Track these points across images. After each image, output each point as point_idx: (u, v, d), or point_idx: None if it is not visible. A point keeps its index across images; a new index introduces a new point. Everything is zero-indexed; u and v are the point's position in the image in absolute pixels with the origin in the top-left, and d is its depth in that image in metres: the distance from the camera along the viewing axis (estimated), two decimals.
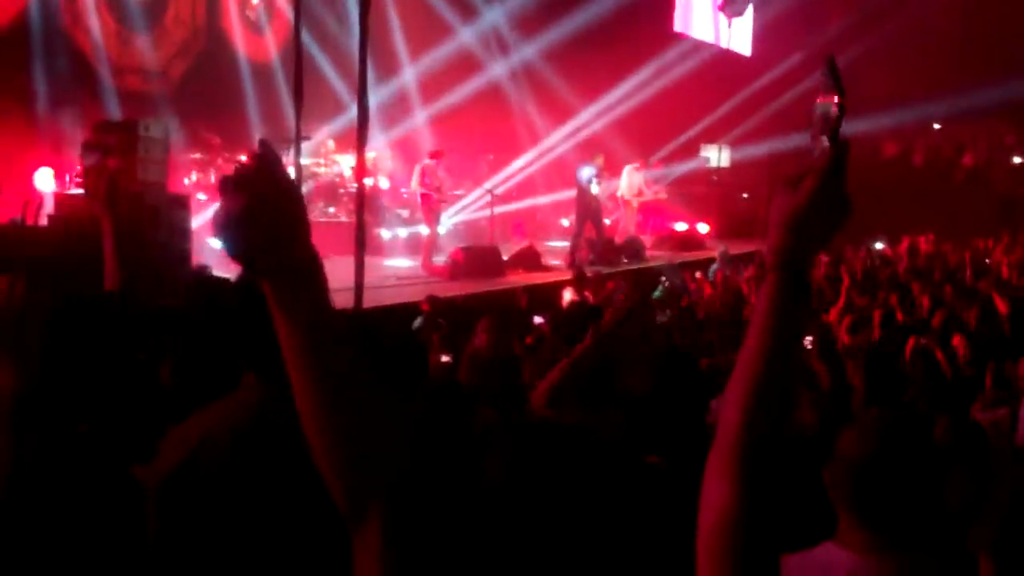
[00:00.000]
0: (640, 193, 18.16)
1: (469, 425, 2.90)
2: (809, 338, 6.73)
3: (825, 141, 1.51)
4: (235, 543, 2.11)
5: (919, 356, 6.47)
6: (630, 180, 17.99)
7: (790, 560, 2.23)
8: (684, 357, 2.78)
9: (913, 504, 2.13)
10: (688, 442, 2.51)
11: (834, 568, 2.09)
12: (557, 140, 19.45)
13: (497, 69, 19.15)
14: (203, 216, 11.38)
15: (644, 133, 20.40)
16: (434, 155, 14.74)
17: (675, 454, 2.54)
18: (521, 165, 18.95)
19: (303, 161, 12.28)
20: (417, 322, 9.30)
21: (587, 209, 15.96)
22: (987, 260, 15.29)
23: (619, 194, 18.18)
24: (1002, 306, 9.04)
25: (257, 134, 15.88)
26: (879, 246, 17.84)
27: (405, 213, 16.41)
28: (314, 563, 2.11)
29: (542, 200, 19.84)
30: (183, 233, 9.33)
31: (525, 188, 19.66)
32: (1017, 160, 24.80)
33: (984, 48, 23.99)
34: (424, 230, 14.67)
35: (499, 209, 16.59)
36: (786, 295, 1.47)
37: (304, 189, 11.73)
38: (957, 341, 6.94)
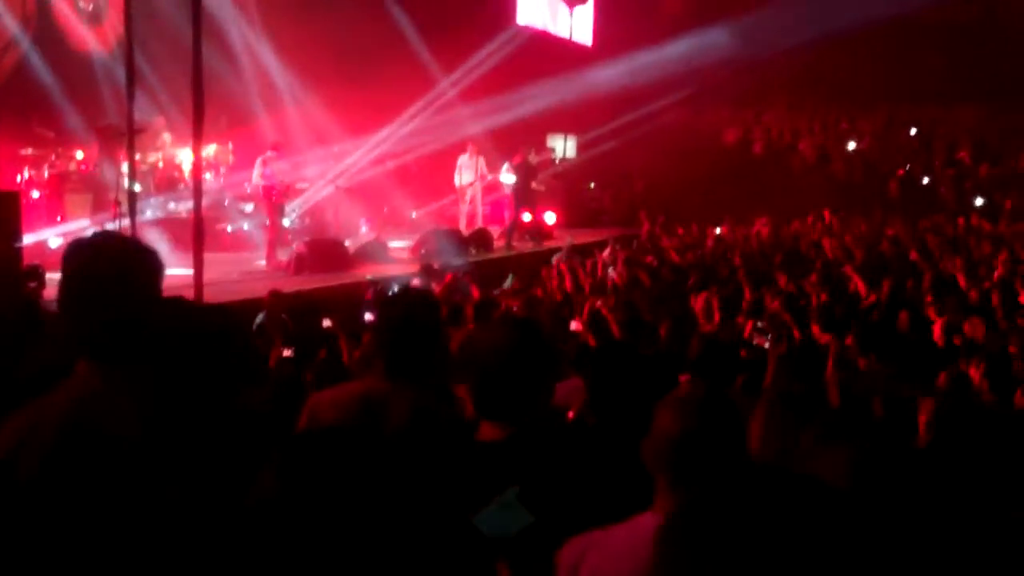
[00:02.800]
0: (483, 178, 18.37)
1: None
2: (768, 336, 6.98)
3: None
4: (58, 538, 2.10)
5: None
6: (468, 168, 18.23)
7: (604, 533, 2.39)
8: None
9: (721, 466, 2.32)
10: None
11: (642, 531, 2.24)
12: (393, 131, 19.38)
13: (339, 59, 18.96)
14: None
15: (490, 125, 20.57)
16: (275, 147, 14.56)
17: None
18: (359, 157, 18.82)
19: (140, 156, 11.99)
20: (259, 318, 9.22)
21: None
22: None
23: (458, 183, 18.38)
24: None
25: (90, 127, 15.38)
26: (718, 231, 18.50)
27: (249, 207, 16.11)
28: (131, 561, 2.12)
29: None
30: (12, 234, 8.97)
31: (372, 180, 19.58)
32: (852, 145, 26.03)
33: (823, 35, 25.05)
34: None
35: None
36: None
37: (138, 187, 11.42)
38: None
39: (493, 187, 19.82)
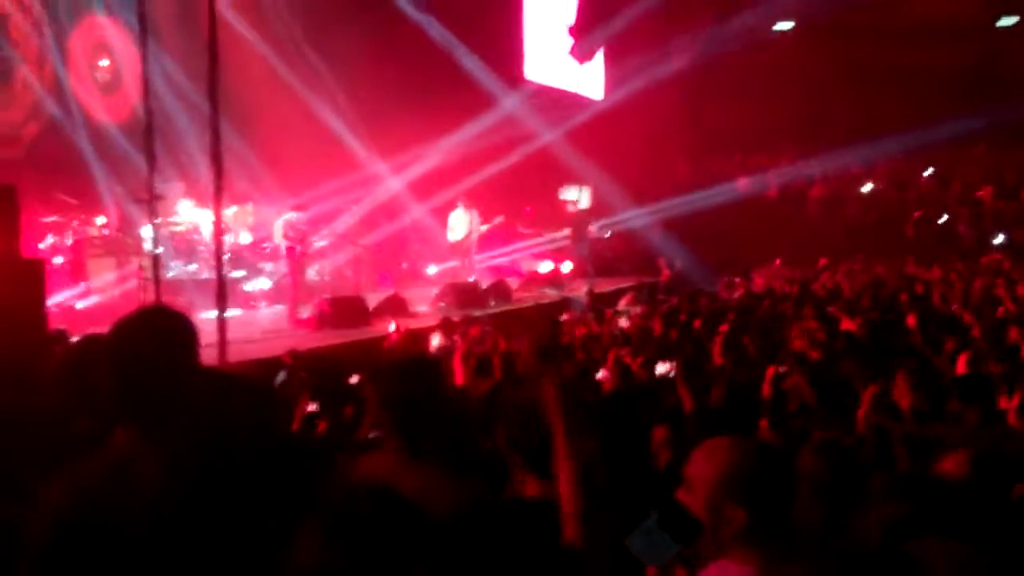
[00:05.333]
0: (470, 233, 18.52)
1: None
2: (670, 365, 7.05)
3: None
4: None
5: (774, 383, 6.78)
6: (463, 220, 18.39)
7: None
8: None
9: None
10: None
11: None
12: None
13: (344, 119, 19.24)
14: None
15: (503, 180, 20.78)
16: (298, 207, 14.72)
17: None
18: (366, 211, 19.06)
19: (161, 220, 12.17)
20: (280, 376, 9.26)
21: None
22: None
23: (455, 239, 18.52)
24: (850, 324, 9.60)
25: (111, 195, 15.63)
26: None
27: (269, 267, 16.26)
28: None
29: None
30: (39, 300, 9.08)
31: (392, 237, 19.76)
32: (865, 189, 26.10)
33: (830, 82, 25.24)
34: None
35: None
36: None
37: (160, 249, 11.56)
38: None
39: (506, 238, 20.06)
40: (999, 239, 22.58)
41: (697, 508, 2.30)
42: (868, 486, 3.06)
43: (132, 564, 2.16)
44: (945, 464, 3.49)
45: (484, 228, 18.98)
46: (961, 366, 6.77)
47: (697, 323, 10.82)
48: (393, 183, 19.44)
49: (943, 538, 2.45)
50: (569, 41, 25.27)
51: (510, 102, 21.68)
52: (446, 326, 12.01)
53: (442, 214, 18.92)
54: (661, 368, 7.12)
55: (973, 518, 2.75)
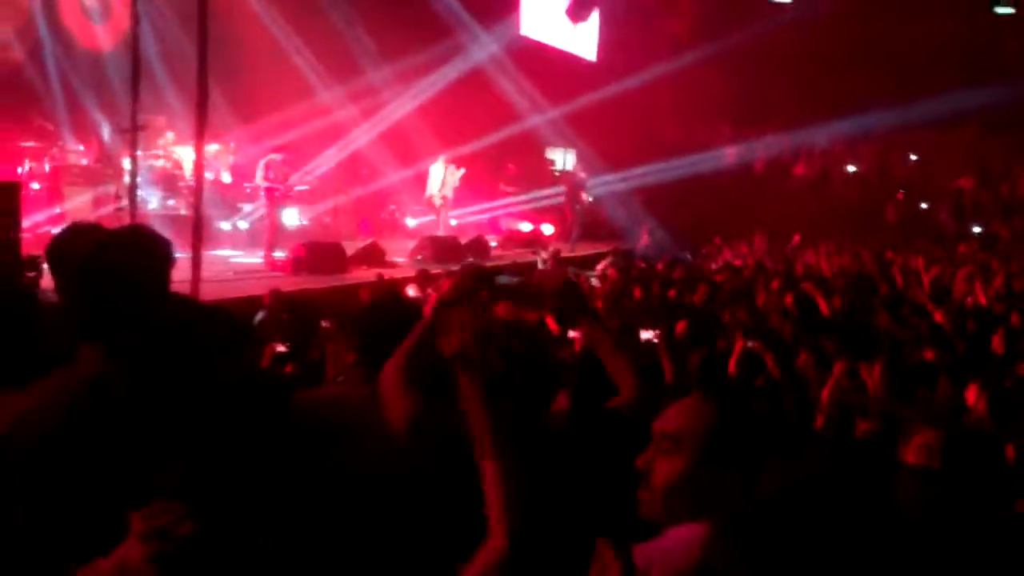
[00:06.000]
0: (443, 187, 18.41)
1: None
2: (654, 332, 7.07)
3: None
4: (53, 521, 2.12)
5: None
6: (442, 173, 18.32)
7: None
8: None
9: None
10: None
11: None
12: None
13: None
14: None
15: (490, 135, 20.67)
16: (278, 149, 14.61)
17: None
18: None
19: (142, 153, 12.05)
20: (259, 315, 9.26)
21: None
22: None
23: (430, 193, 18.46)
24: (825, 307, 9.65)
25: (94, 123, 15.45)
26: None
27: (248, 207, 16.16)
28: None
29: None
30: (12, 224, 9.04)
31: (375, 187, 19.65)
32: (851, 169, 26.18)
33: (824, 57, 25.16)
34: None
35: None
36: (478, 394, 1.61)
37: (140, 179, 11.44)
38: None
39: (487, 195, 20.03)
40: (978, 229, 22.74)
41: (680, 466, 2.11)
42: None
43: (103, 481, 2.15)
44: (910, 442, 3.53)
45: (456, 178, 18.75)
46: (929, 353, 6.84)
47: (672, 292, 10.86)
48: (374, 134, 19.29)
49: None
50: (565, 1, 25.11)
51: (498, 56, 21.55)
52: (422, 279, 11.99)
53: (424, 167, 18.84)
54: (645, 335, 7.13)
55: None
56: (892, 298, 10.62)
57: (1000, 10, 25.70)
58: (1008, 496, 3.28)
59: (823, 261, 14.88)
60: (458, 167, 18.49)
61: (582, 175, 20.95)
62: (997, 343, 7.98)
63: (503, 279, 12.40)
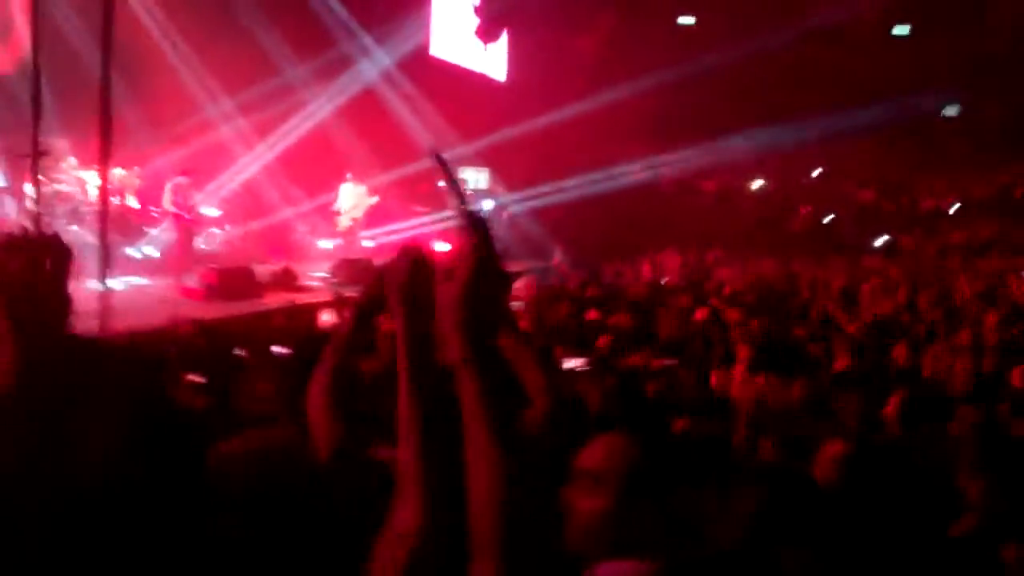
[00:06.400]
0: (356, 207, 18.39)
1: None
2: (582, 360, 6.92)
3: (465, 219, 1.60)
4: None
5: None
6: (351, 194, 18.27)
7: None
8: None
9: None
10: None
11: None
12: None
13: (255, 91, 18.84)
14: None
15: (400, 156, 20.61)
16: (185, 172, 14.36)
17: None
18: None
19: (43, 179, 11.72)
20: (175, 346, 9.03)
21: None
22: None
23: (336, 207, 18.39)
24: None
25: None
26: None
27: (155, 232, 15.81)
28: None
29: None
30: None
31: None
32: (755, 185, 26.74)
33: (728, 76, 25.65)
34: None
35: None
36: (482, 385, 1.49)
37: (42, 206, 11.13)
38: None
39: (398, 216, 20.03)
40: (880, 240, 23.36)
41: (602, 504, 2.09)
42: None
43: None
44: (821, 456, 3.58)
45: (368, 203, 18.71)
46: (840, 363, 6.98)
47: (591, 314, 10.89)
48: (280, 153, 19.12)
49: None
50: (475, 21, 25.22)
51: (405, 78, 21.57)
52: (339, 303, 11.85)
53: (332, 188, 18.74)
54: (570, 363, 6.89)
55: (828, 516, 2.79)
56: (802, 311, 10.86)
57: (897, 31, 26.74)
58: (915, 509, 3.35)
59: (733, 277, 15.16)
60: (371, 194, 18.45)
61: (498, 195, 21.05)
62: (899, 353, 8.18)
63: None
